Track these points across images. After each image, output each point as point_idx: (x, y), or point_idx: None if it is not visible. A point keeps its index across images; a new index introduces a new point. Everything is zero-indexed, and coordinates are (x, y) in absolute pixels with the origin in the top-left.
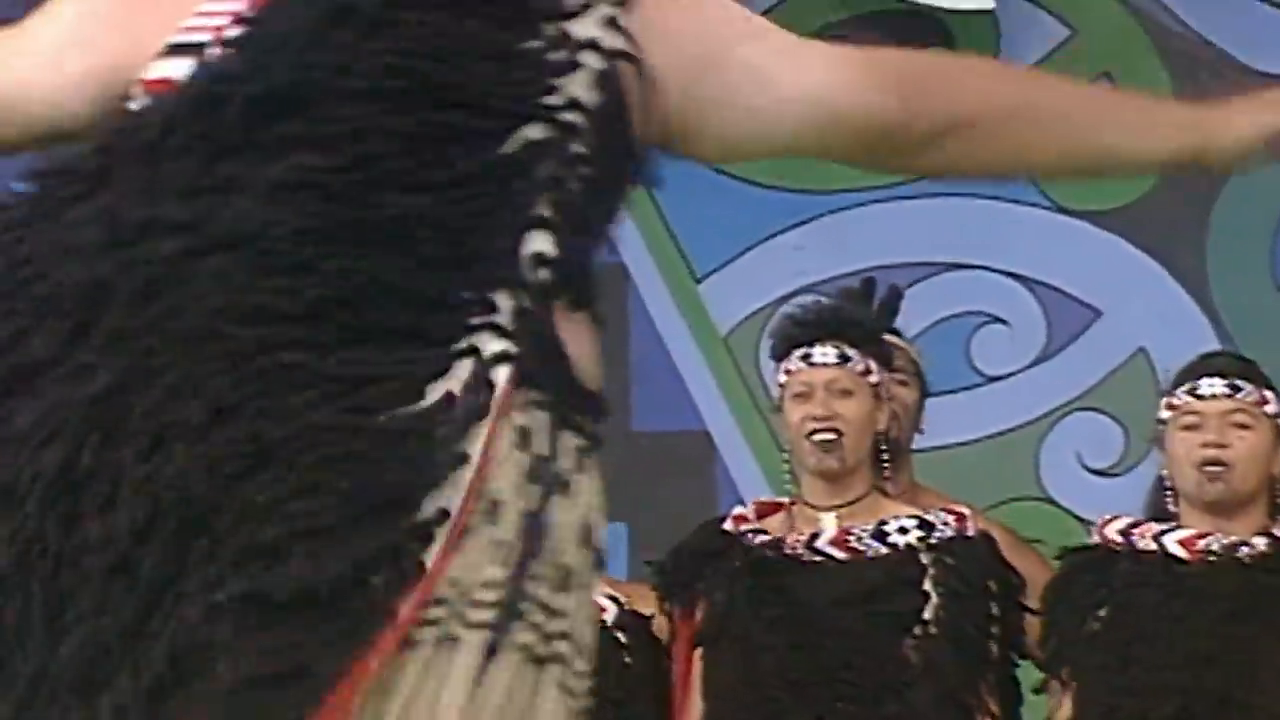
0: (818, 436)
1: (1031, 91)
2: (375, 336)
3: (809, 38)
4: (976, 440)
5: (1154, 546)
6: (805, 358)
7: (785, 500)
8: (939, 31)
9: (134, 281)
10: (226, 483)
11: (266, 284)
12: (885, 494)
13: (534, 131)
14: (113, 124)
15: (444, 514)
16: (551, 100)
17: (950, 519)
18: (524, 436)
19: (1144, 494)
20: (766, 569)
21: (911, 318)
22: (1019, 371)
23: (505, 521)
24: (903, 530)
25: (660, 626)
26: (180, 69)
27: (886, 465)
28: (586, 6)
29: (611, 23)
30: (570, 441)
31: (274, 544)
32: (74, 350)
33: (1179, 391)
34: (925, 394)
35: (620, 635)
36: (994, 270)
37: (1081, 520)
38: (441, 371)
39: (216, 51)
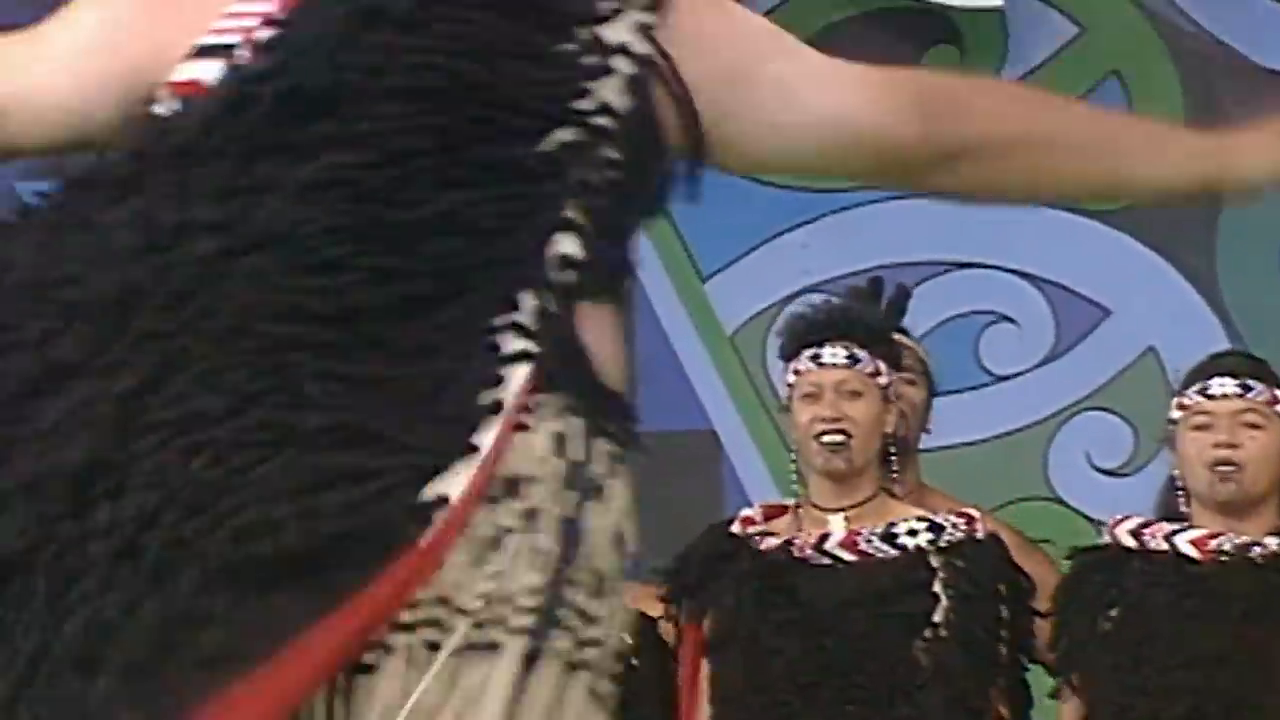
0: (826, 438)
1: (1046, 116)
2: (399, 334)
3: (816, 33)
4: (985, 440)
5: (1166, 546)
6: (814, 358)
7: (791, 502)
8: (947, 29)
9: (168, 283)
10: (236, 470)
11: (299, 283)
12: (893, 495)
13: (565, 134)
14: (141, 128)
15: (443, 500)
16: (583, 104)
17: (960, 521)
18: (559, 442)
19: (1153, 494)
20: (775, 571)
21: (919, 317)
22: (1027, 371)
23: (543, 528)
24: (912, 533)
25: (667, 631)
26: (209, 71)
27: (895, 467)
28: (618, 11)
29: (643, 28)
30: (603, 447)
31: (276, 522)
32: (104, 351)
33: (1190, 391)
34: (933, 393)
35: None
36: (1002, 269)
37: (1091, 520)
38: (460, 368)
39: (247, 53)
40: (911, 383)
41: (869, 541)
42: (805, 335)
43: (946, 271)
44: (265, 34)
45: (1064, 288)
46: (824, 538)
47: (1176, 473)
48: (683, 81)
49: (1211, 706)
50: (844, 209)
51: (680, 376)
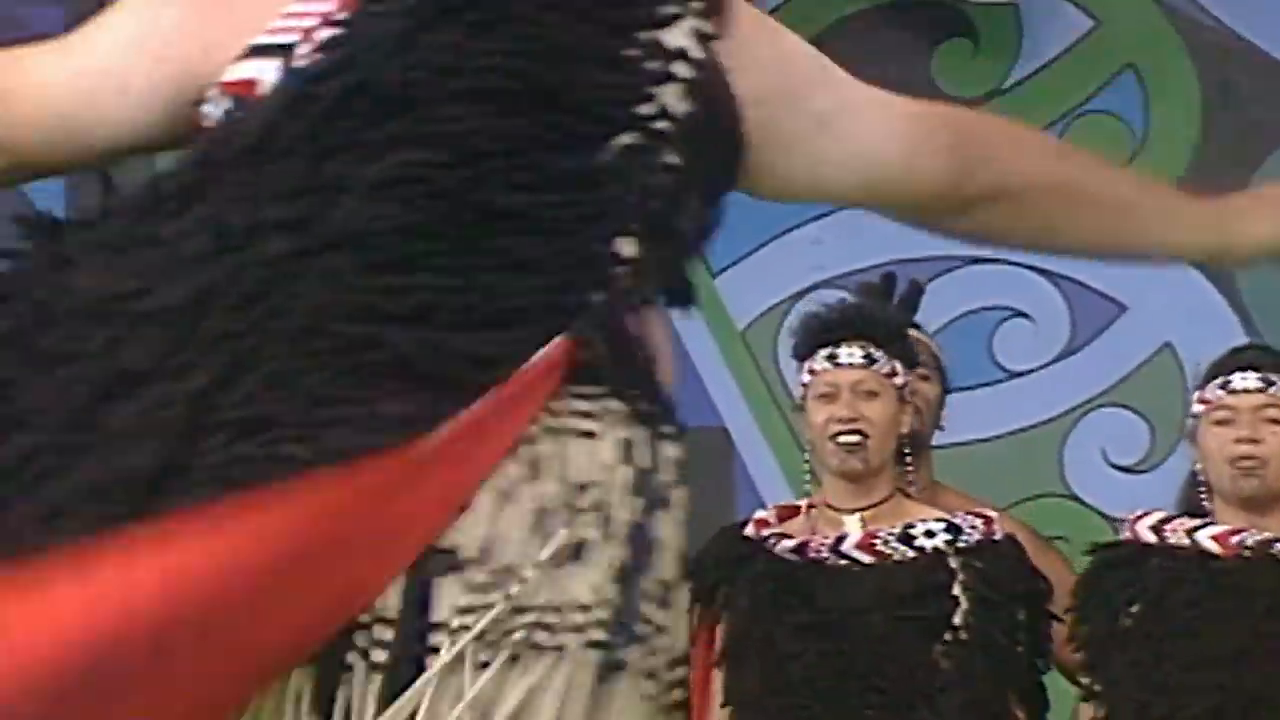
0: (843, 438)
1: (1071, 172)
2: (467, 335)
3: (829, 26)
4: (1000, 437)
5: (1187, 542)
6: (830, 358)
7: (803, 503)
8: (961, 22)
9: (240, 284)
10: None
11: (372, 282)
12: (908, 496)
13: (628, 138)
14: (206, 135)
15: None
16: (646, 109)
17: (978, 522)
18: (627, 449)
19: (1170, 490)
20: (791, 574)
21: (933, 312)
22: (1043, 367)
23: (615, 537)
24: (929, 534)
25: None
26: (265, 70)
27: (910, 465)
28: (677, 16)
29: (701, 35)
30: (669, 453)
31: None
32: (176, 354)
33: (1211, 386)
34: (947, 390)
35: None
36: (1017, 264)
37: (1107, 517)
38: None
39: (308, 52)
40: (925, 378)
41: (886, 543)
42: (820, 334)
43: (960, 266)
44: (327, 33)
45: (1079, 283)
46: (840, 539)
47: (1198, 468)
48: (735, 94)
49: (1234, 704)
50: None
51: (691, 373)
